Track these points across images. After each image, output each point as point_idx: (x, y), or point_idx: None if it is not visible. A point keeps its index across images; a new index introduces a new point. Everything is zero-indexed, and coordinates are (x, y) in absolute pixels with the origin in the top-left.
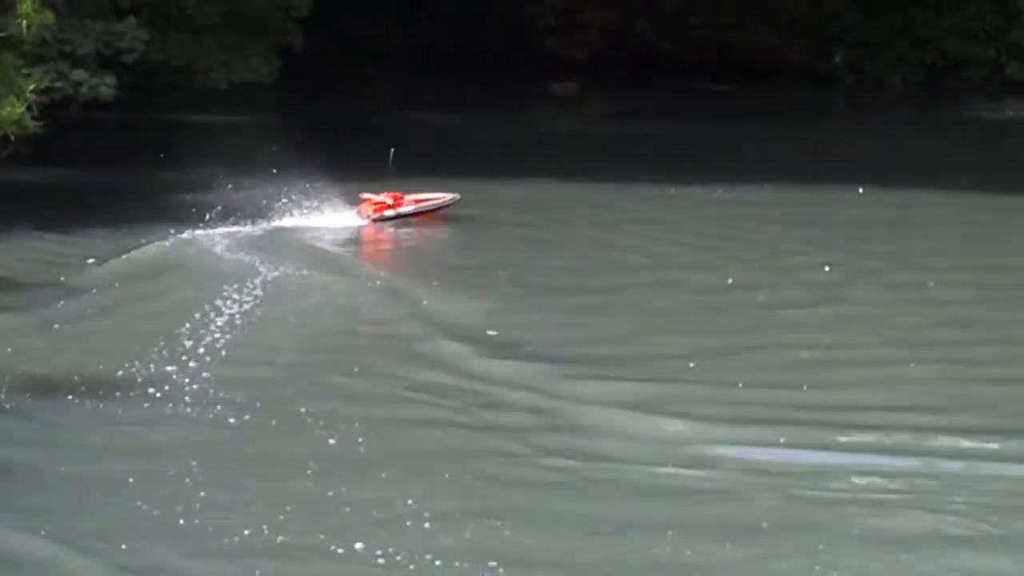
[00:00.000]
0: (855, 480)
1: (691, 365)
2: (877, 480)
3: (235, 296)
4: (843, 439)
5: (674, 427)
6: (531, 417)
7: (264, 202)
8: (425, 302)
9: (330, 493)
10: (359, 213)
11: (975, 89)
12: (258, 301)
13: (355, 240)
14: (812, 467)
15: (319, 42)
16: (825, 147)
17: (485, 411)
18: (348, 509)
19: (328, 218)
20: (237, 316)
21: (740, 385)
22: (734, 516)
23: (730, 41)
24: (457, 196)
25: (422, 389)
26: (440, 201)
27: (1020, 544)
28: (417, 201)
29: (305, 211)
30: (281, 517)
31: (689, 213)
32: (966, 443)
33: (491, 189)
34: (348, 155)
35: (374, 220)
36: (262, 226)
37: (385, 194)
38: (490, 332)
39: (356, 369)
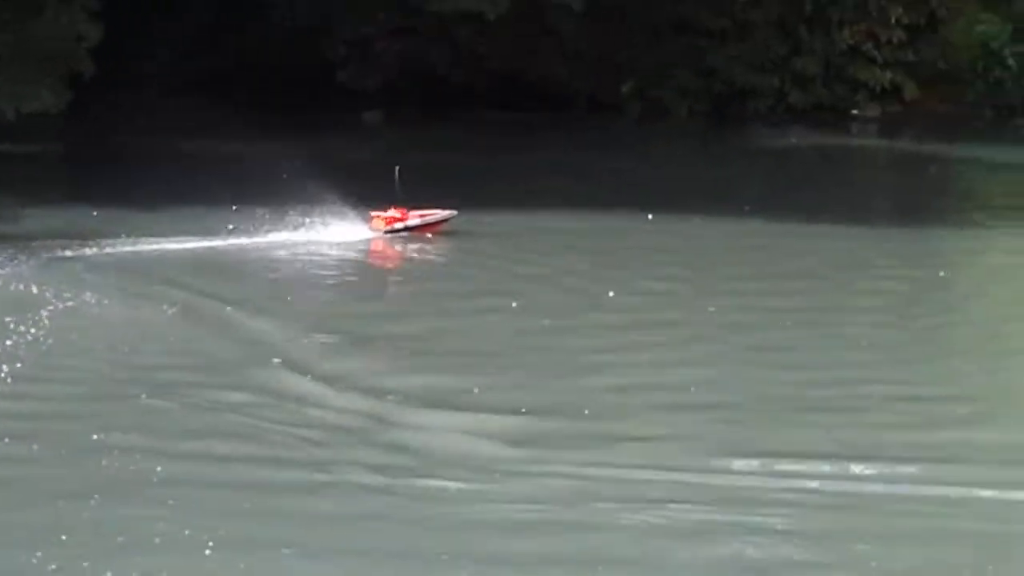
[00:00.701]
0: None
1: (475, 391)
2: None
3: (21, 327)
4: (606, 460)
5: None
6: (337, 435)
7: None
8: (231, 325)
9: (111, 523)
10: (370, 227)
11: (760, 118)
12: (48, 330)
13: (170, 264)
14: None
15: (112, 72)
16: (612, 175)
17: (285, 436)
18: (122, 539)
19: (341, 232)
20: (23, 346)
21: (523, 410)
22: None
23: (520, 72)
24: (454, 212)
25: (225, 412)
26: (441, 215)
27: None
28: (422, 215)
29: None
30: (54, 548)
31: (472, 241)
32: (737, 462)
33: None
34: (136, 186)
35: (386, 232)
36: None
37: (393, 209)
38: (275, 360)
39: (153, 397)
